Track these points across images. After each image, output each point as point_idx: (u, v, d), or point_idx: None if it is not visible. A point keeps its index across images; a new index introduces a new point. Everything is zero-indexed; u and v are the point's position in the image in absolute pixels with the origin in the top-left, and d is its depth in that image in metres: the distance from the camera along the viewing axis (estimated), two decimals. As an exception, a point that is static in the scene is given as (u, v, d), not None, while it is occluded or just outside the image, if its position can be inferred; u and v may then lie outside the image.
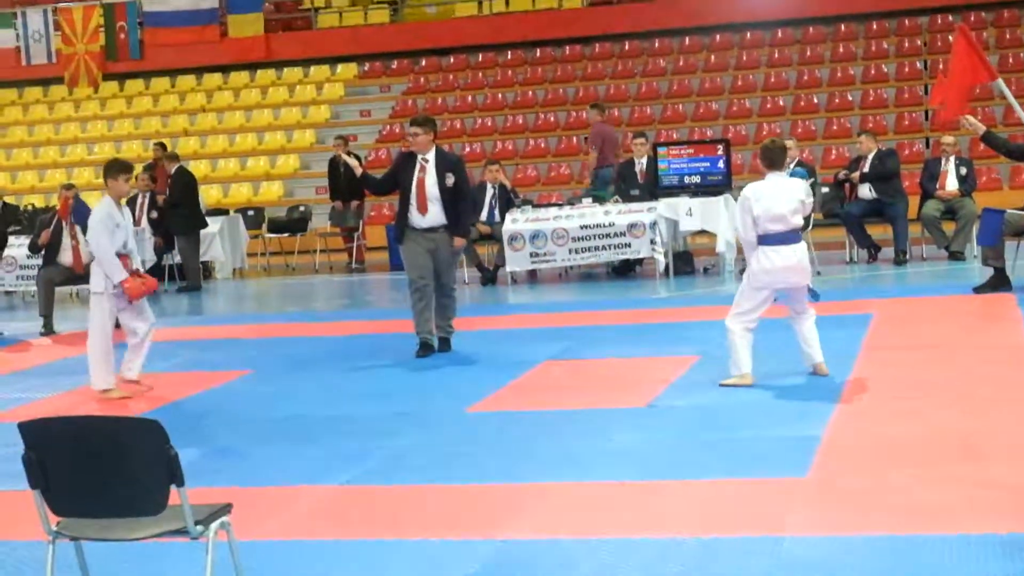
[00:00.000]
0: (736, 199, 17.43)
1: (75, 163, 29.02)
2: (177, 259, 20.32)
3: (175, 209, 19.91)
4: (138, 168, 18.84)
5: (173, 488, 5.11)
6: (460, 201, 12.29)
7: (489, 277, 18.27)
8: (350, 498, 7.60)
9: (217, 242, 21.31)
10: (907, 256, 17.43)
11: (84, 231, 15.90)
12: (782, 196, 9.96)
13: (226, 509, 5.43)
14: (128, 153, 28.18)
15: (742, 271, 16.76)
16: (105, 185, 11.21)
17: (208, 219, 20.79)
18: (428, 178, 12.14)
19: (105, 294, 11.01)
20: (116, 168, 11.19)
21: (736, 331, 10.07)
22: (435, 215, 12.17)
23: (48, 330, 15.81)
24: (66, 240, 16.09)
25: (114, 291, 11.00)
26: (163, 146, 22.19)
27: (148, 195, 20.13)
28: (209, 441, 9.26)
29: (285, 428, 9.66)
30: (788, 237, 9.99)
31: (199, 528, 5.22)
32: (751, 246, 10.04)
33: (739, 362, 10.06)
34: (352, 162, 12.92)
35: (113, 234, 10.96)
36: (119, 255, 10.98)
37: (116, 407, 10.65)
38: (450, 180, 12.13)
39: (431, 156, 12.22)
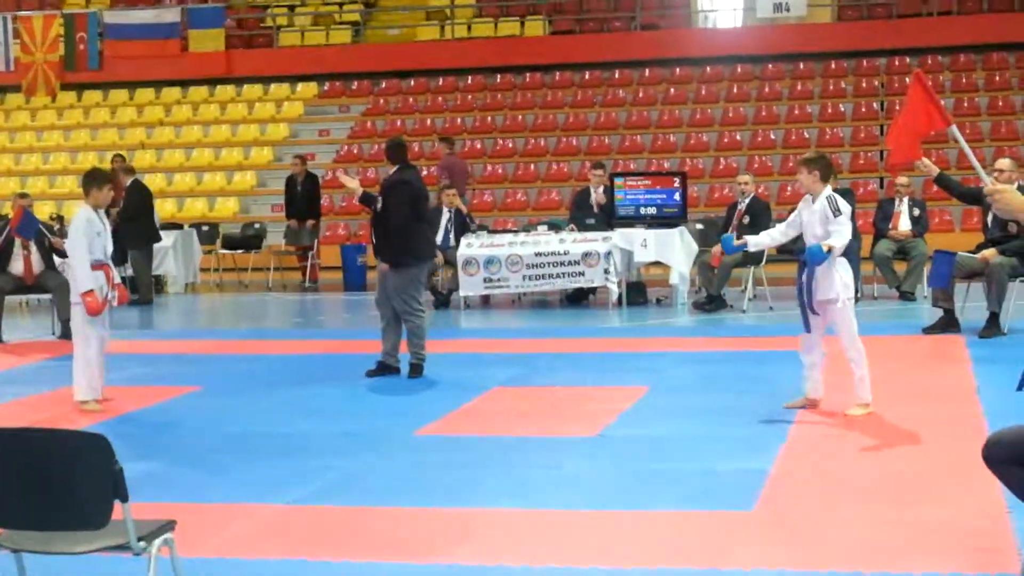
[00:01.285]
0: (690, 231, 17.69)
1: (29, 172, 28.82)
2: (129, 272, 20.19)
3: (129, 222, 19.79)
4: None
5: (117, 503, 5.08)
6: (386, 225, 12.20)
7: (442, 301, 18.27)
8: (296, 517, 7.56)
9: (170, 256, 21.24)
10: (858, 295, 17.50)
11: (35, 243, 15.86)
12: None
13: (170, 525, 5.40)
14: (83, 164, 27.97)
15: (695, 304, 17.00)
16: (86, 195, 11.18)
17: (162, 233, 20.69)
18: (374, 201, 12.27)
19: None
20: (98, 178, 11.24)
21: (864, 355, 9.93)
22: (373, 238, 12.33)
23: (-4, 339, 15.70)
24: (17, 249, 15.97)
25: (102, 299, 10.99)
26: (122, 158, 22.07)
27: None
28: (155, 456, 9.20)
29: (232, 445, 9.61)
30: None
31: (142, 544, 5.18)
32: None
33: (869, 386, 9.97)
34: (350, 183, 12.74)
35: (93, 242, 10.96)
36: (100, 264, 10.98)
37: (64, 419, 10.56)
38: (378, 204, 12.18)
39: (386, 179, 12.36)
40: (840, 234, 9.85)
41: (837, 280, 9.89)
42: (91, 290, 10.86)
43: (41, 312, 18.53)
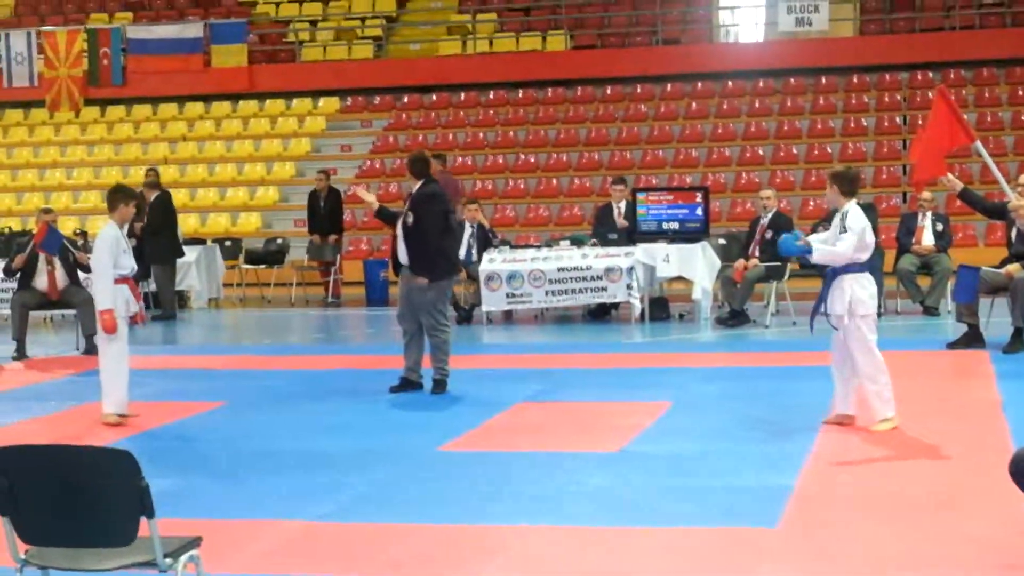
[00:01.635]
0: (713, 246, 17.68)
1: (53, 187, 28.93)
2: (152, 287, 20.27)
3: (152, 237, 19.86)
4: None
5: (143, 519, 5.09)
6: (419, 239, 12.18)
7: (465, 316, 18.27)
8: (320, 534, 7.57)
9: (193, 271, 21.29)
10: (882, 310, 17.47)
11: (59, 258, 15.92)
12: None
13: (196, 542, 5.42)
14: (107, 179, 28.12)
15: (718, 319, 16.98)
16: (112, 210, 11.26)
17: (185, 248, 20.76)
18: (404, 216, 12.21)
19: (120, 319, 11.02)
20: (124, 194, 11.38)
21: (884, 370, 9.92)
22: (403, 253, 12.23)
23: (21, 355, 15.73)
24: (41, 265, 16.03)
25: (126, 314, 11.05)
26: (155, 172, 22.05)
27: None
28: (181, 472, 9.22)
29: (257, 461, 9.63)
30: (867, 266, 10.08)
31: (168, 561, 5.20)
32: (834, 255, 9.92)
33: (892, 401, 9.97)
34: (367, 197, 12.75)
35: (119, 259, 11.03)
36: (125, 278, 11.06)
37: (89, 435, 10.59)
38: (409, 218, 12.15)
39: (414, 192, 12.31)
40: (837, 247, 9.90)
41: (847, 296, 9.89)
42: (111, 308, 10.91)
43: (65, 328, 18.59)
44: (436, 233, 12.14)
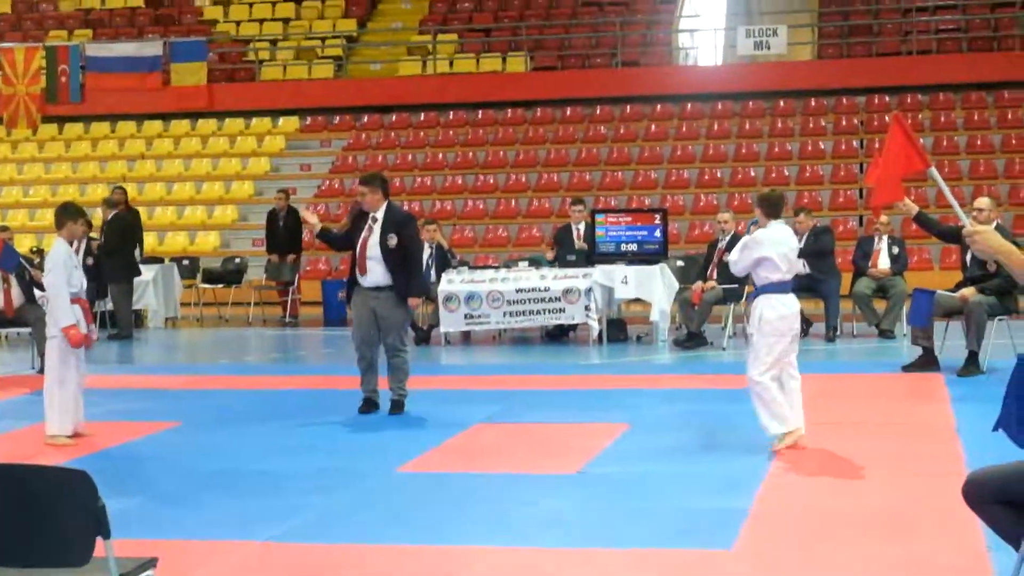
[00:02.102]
0: (671, 268, 17.74)
1: (10, 204, 28.78)
2: (109, 306, 20.17)
3: (109, 256, 19.77)
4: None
5: (99, 539, 5.07)
6: (406, 261, 12.22)
7: (423, 337, 18.27)
8: (276, 555, 7.55)
9: (151, 290, 21.20)
10: (838, 333, 17.60)
11: (14, 276, 15.82)
12: (791, 244, 10.27)
13: (152, 563, 5.39)
14: (64, 197, 27.94)
15: (676, 341, 17.03)
16: (59, 227, 11.25)
17: (142, 267, 20.68)
18: (372, 237, 12.09)
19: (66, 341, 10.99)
20: (72, 211, 11.39)
21: (767, 384, 10.03)
22: (376, 275, 12.10)
23: (-25, 373, 15.66)
24: (-4, 282, 15.94)
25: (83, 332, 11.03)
26: (123, 190, 21.96)
27: (84, 241, 19.94)
28: (136, 492, 9.17)
29: (213, 481, 9.59)
30: (792, 284, 10.24)
31: (124, 581, 5.17)
32: (735, 265, 10.22)
33: (782, 416, 10.04)
34: (311, 218, 12.71)
35: (71, 275, 11.00)
36: (76, 298, 11.02)
37: (44, 454, 10.53)
38: (392, 241, 12.07)
39: (380, 214, 12.20)
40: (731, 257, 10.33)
41: (756, 315, 10.15)
42: (73, 324, 10.87)
43: (21, 346, 18.49)
44: (420, 254, 12.20)
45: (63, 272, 10.98)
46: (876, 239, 17.92)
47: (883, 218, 17.89)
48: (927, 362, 14.19)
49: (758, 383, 10.05)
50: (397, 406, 12.26)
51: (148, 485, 9.56)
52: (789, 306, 10.14)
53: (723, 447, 10.32)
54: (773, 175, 26.19)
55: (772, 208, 10.26)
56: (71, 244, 11.43)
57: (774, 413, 10.05)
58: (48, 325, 11.23)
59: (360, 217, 12.33)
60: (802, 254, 17.38)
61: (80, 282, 11.22)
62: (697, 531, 7.79)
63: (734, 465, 9.66)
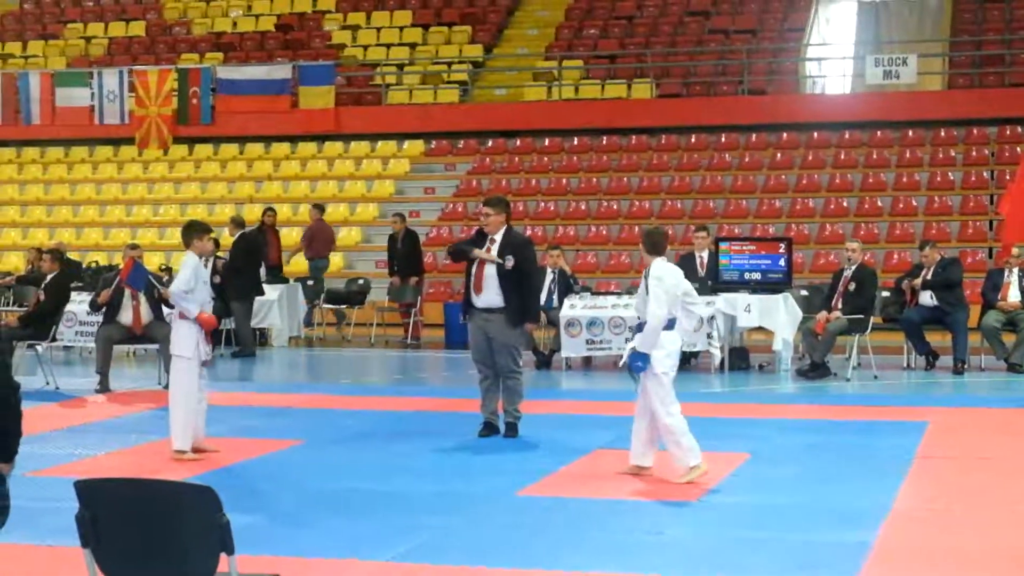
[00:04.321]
0: (795, 297, 17.57)
1: (140, 223, 29.28)
2: (232, 324, 20.42)
3: (233, 274, 20.00)
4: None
5: (223, 555, 5.12)
6: (522, 284, 12.24)
7: (544, 361, 18.25)
8: (396, 575, 7.57)
9: (275, 309, 21.42)
10: (965, 366, 17.30)
11: (143, 294, 16.10)
12: (678, 280, 10.34)
13: (274, 579, 5.44)
14: (193, 216, 28.39)
15: (799, 371, 16.86)
16: (187, 245, 11.48)
17: (268, 287, 20.91)
18: (503, 260, 12.17)
19: (194, 360, 11.20)
20: (198, 228, 11.64)
21: (681, 424, 10.12)
22: (490, 296, 12.14)
23: (104, 388, 15.92)
24: (126, 300, 16.20)
25: (199, 355, 11.26)
26: (273, 211, 22.77)
27: (211, 259, 20.17)
28: (258, 509, 9.25)
29: (335, 500, 9.66)
30: (676, 323, 10.32)
31: (246, 597, 5.22)
32: (659, 331, 10.08)
33: (695, 450, 10.11)
34: (486, 256, 12.23)
35: (198, 289, 11.22)
36: (199, 314, 11.28)
37: (169, 469, 10.68)
38: (509, 262, 12.11)
39: (499, 237, 12.24)
40: (650, 312, 10.11)
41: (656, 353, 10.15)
42: (201, 311, 11.25)
43: (148, 362, 18.77)
44: (538, 278, 12.18)
45: (192, 273, 11.23)
46: (1006, 272, 17.61)
47: (1014, 251, 17.58)
48: (1057, 398, 13.92)
49: (673, 428, 10.11)
50: (511, 428, 12.28)
51: (270, 502, 9.65)
52: (679, 342, 10.38)
53: (845, 479, 10.19)
54: (901, 205, 25.86)
55: (655, 246, 10.43)
56: (201, 260, 11.64)
57: (690, 446, 10.09)
58: (172, 343, 11.42)
59: (479, 238, 12.38)
60: (929, 286, 17.33)
61: (206, 298, 11.41)
62: (819, 564, 7.69)
63: (857, 498, 9.53)
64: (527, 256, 12.31)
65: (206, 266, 19.61)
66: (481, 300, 12.18)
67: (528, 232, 25.80)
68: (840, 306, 16.93)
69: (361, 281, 23.82)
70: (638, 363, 10.11)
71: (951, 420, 13.21)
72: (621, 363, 10.54)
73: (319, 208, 24.24)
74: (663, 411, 10.12)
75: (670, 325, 10.21)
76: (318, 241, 23.96)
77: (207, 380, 11.62)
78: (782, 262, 17.97)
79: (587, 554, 7.99)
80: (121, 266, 17.09)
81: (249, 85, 29.53)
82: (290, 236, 27.93)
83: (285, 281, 22.53)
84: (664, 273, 10.22)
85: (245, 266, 20.20)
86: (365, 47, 33.16)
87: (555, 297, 18.47)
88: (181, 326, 11.33)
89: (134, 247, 16.97)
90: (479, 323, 12.24)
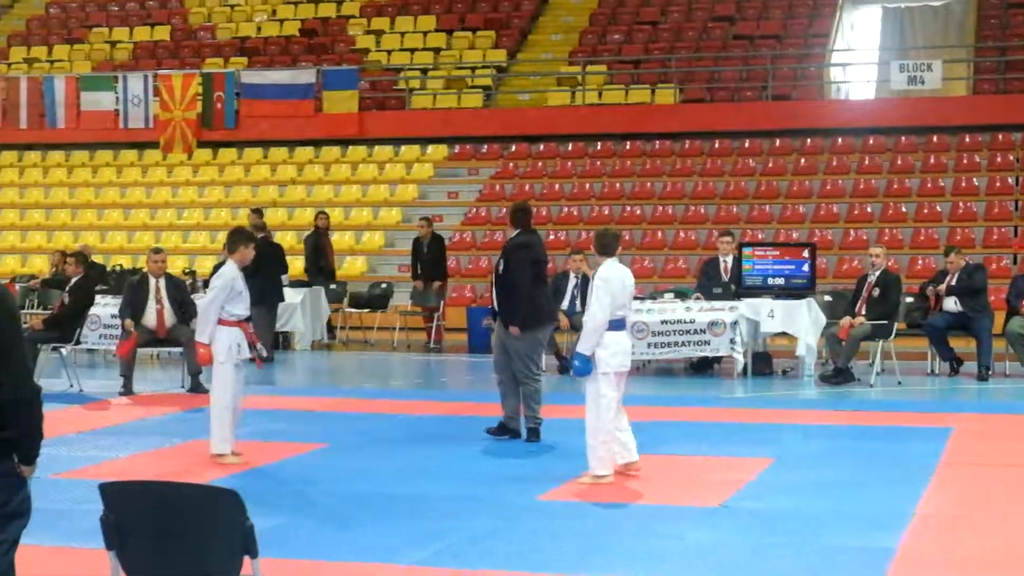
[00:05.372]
0: (818, 303, 17.53)
1: (164, 227, 29.36)
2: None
3: (251, 279, 19.94)
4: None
5: (246, 558, 5.13)
6: (509, 287, 12.32)
7: (567, 366, 18.23)
8: (418, 579, 7.59)
9: (298, 313, 21.44)
10: (990, 372, 17.23)
11: (168, 298, 16.15)
12: (630, 282, 10.44)
13: (297, 582, 5.45)
14: (216, 220, 28.56)
15: (822, 376, 16.83)
16: (231, 252, 11.53)
17: (291, 290, 20.93)
18: (496, 264, 12.41)
19: (227, 363, 11.24)
20: (246, 236, 11.85)
21: (606, 427, 10.16)
22: (495, 301, 12.36)
23: (127, 390, 15.96)
24: (151, 303, 16.25)
25: (238, 358, 11.32)
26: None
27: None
28: (282, 512, 9.26)
29: (358, 504, 9.68)
30: (626, 322, 10.44)
31: (270, 599, 5.23)
32: (600, 332, 10.12)
33: (606, 460, 10.23)
34: None
35: (235, 299, 11.27)
36: (239, 320, 11.36)
37: (193, 472, 10.71)
38: (500, 267, 12.27)
39: (507, 241, 12.47)
40: (589, 313, 10.27)
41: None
42: (206, 344, 11.28)
43: (172, 365, 18.82)
44: (524, 282, 12.18)
45: (221, 290, 11.25)
46: (1031, 278, 17.55)
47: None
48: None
49: (603, 431, 10.16)
50: (532, 433, 12.33)
51: (294, 505, 9.66)
52: (626, 343, 10.44)
53: (869, 485, 10.17)
54: (925, 211, 25.79)
55: (606, 247, 10.50)
56: (241, 268, 11.67)
57: (602, 457, 10.21)
58: (215, 351, 11.46)
59: None
60: (953, 291, 17.28)
61: (243, 307, 11.46)
62: (843, 570, 7.68)
63: (880, 504, 9.51)
64: (513, 258, 12.36)
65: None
66: (497, 307, 12.39)
67: (551, 237, 25.81)
68: (864, 311, 16.89)
69: (384, 285, 23.85)
70: (577, 364, 10.19)
71: (975, 426, 13.17)
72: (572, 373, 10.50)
73: (258, 212, 23.98)
74: (594, 410, 10.21)
75: (620, 326, 10.31)
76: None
77: (244, 385, 11.68)
78: (806, 267, 17.93)
79: (610, 559, 7.98)
80: (145, 269, 17.12)
81: (273, 90, 29.58)
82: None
83: (308, 285, 22.45)
84: (612, 275, 10.33)
85: (265, 271, 20.17)
86: (389, 52, 33.21)
87: (578, 302, 18.45)
88: (220, 331, 11.38)
89: (158, 251, 17.02)
90: (498, 330, 12.49)
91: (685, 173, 28.31)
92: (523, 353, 12.25)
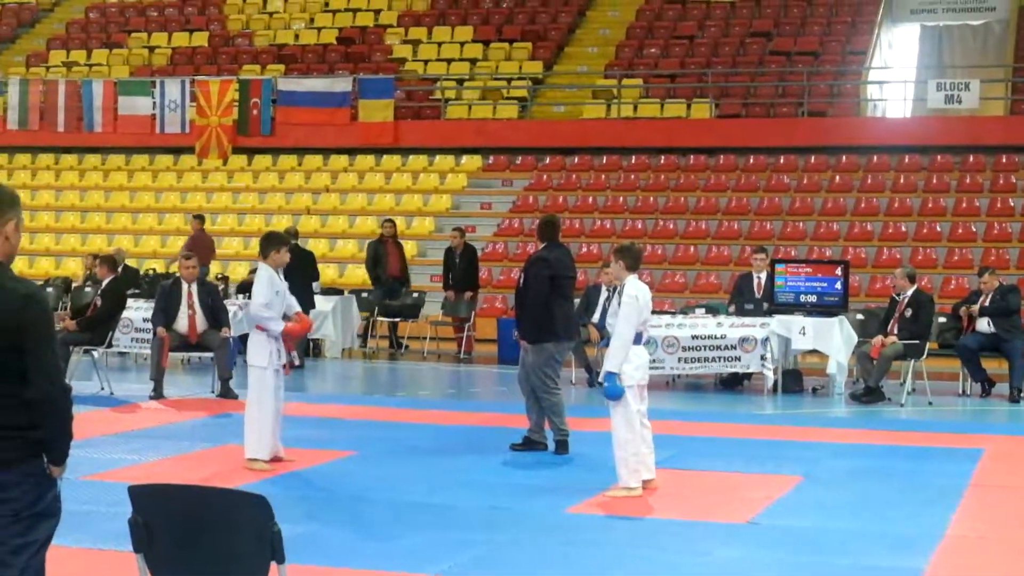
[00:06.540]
0: (850, 321, 17.47)
1: (198, 232, 29.45)
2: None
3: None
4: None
5: (273, 564, 5.13)
6: (524, 301, 12.42)
7: (597, 379, 18.20)
8: (444, 589, 7.59)
9: (329, 321, 21.48)
10: (1022, 394, 17.14)
11: (199, 303, 16.21)
12: (649, 297, 10.66)
13: (323, 589, 5.45)
14: (250, 226, 28.63)
15: (852, 395, 16.76)
16: (264, 256, 11.57)
17: (323, 298, 20.97)
18: (518, 278, 12.50)
19: (268, 369, 11.28)
20: (276, 240, 11.79)
21: (635, 439, 10.23)
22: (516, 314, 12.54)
23: (158, 394, 16.01)
24: (183, 308, 16.30)
25: (277, 364, 11.40)
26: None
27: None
28: (310, 519, 9.29)
29: (386, 512, 9.69)
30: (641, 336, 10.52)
31: (296, 606, 5.23)
32: (628, 349, 10.26)
33: (637, 472, 10.29)
34: None
35: (273, 300, 11.30)
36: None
37: (222, 477, 10.73)
38: (520, 281, 12.36)
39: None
40: (618, 330, 10.36)
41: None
42: (284, 325, 11.45)
43: (202, 370, 18.87)
44: (538, 296, 12.19)
45: (268, 290, 11.32)
46: (1065, 299, 17.45)
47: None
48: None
49: (625, 440, 10.26)
50: (561, 446, 12.33)
51: (322, 512, 9.68)
52: (645, 356, 10.61)
53: (898, 505, 10.12)
54: (960, 231, 25.68)
55: (634, 261, 10.70)
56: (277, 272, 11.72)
57: (632, 468, 10.28)
58: (249, 355, 11.49)
59: None
60: (987, 313, 17.19)
61: (283, 308, 11.51)
62: (870, 589, 7.64)
63: (910, 524, 9.47)
64: (531, 273, 12.43)
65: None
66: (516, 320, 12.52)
67: (583, 250, 25.80)
68: (896, 331, 16.83)
69: (416, 295, 23.85)
70: (607, 387, 10.26)
71: (1006, 448, 13.10)
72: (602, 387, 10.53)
73: (199, 219, 24.34)
74: (620, 421, 10.31)
75: (639, 339, 10.46)
76: (199, 250, 22.55)
77: (283, 391, 11.70)
78: (838, 285, 17.87)
79: (635, 573, 7.97)
80: (178, 274, 17.18)
81: (309, 97, 29.64)
82: (345, 248, 28.10)
83: (340, 292, 22.47)
84: (640, 292, 10.50)
85: (295, 278, 20.19)
86: (425, 62, 33.27)
87: (608, 315, 18.40)
88: (257, 336, 11.42)
89: (189, 256, 17.05)
90: (522, 343, 12.60)
91: (719, 188, 28.26)
92: (538, 367, 12.27)
